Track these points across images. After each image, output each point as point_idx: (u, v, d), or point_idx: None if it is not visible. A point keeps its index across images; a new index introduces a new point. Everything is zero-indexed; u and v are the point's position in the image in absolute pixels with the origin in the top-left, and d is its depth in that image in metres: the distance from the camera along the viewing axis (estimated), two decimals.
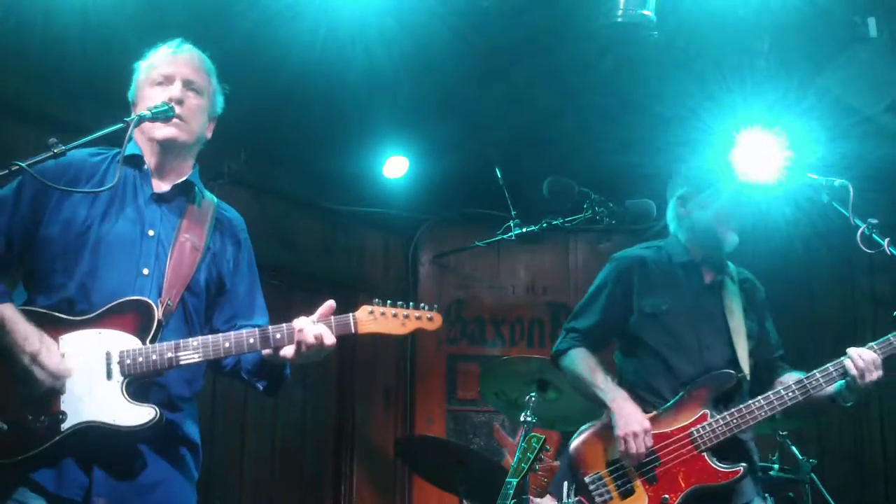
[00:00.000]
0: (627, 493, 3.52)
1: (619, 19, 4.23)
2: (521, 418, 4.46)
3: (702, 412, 3.55)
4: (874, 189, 5.29)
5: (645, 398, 3.63)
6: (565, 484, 4.79)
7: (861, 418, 6.34)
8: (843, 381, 3.46)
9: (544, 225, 5.42)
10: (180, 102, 2.85)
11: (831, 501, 4.96)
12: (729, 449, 3.53)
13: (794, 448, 4.97)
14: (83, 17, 4.30)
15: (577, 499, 3.65)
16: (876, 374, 3.42)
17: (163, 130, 2.85)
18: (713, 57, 4.90)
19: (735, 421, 3.49)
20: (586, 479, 3.59)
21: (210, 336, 2.73)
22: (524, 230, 5.64)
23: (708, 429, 3.51)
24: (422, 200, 6.79)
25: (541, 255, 7.06)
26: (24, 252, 2.78)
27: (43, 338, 2.61)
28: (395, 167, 6.38)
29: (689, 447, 3.51)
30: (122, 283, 2.74)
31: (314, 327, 2.71)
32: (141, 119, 2.77)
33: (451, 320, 6.98)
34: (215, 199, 3.05)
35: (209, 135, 3.02)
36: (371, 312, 2.79)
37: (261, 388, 2.95)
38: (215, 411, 5.60)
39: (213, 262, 2.92)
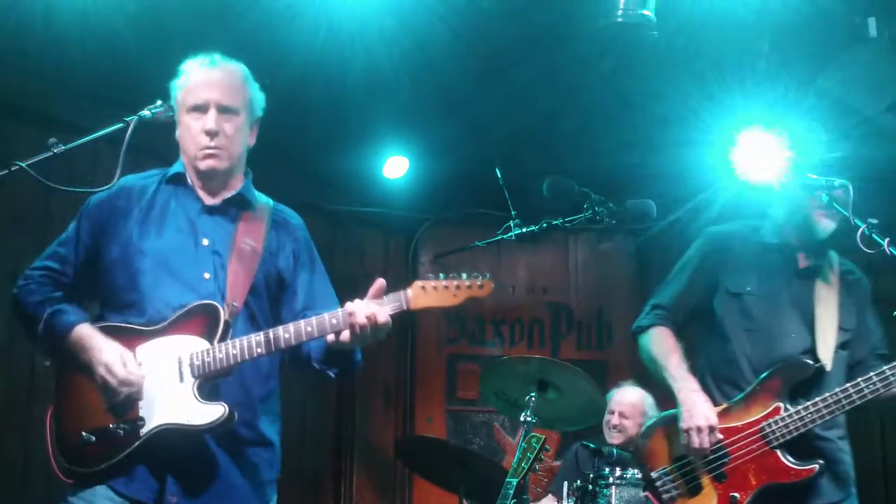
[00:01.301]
0: (695, 490, 3.37)
1: (619, 19, 4.23)
2: (521, 418, 4.47)
3: (774, 405, 3.36)
4: (874, 189, 5.29)
5: (720, 388, 3.47)
6: (565, 484, 4.80)
7: (861, 418, 6.34)
8: None
9: (544, 225, 5.42)
10: (215, 134, 2.90)
11: None
12: (805, 445, 3.34)
13: None
14: (83, 17, 4.30)
15: (644, 494, 3.53)
16: None
17: (203, 163, 2.91)
18: (713, 57, 4.89)
19: (810, 415, 3.29)
20: (653, 475, 3.44)
21: (271, 330, 2.77)
22: (524, 230, 5.63)
23: (780, 423, 3.32)
24: (422, 200, 6.79)
25: (541, 255, 7.06)
26: (92, 278, 2.92)
27: (118, 348, 2.74)
28: (395, 167, 6.38)
29: (761, 442, 3.33)
30: (184, 290, 2.82)
31: (366, 308, 2.72)
32: (141, 119, 2.82)
33: (452, 320, 6.98)
34: (271, 202, 3.11)
35: (252, 141, 3.07)
36: (423, 287, 2.78)
37: (332, 375, 3.01)
38: None
39: (272, 261, 2.97)
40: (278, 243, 3.02)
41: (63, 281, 2.93)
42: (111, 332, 2.80)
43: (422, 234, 7.04)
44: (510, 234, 5.76)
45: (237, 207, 3.00)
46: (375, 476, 6.67)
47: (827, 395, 3.32)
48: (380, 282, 2.78)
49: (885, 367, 3.30)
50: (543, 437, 4.44)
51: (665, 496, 3.42)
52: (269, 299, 2.97)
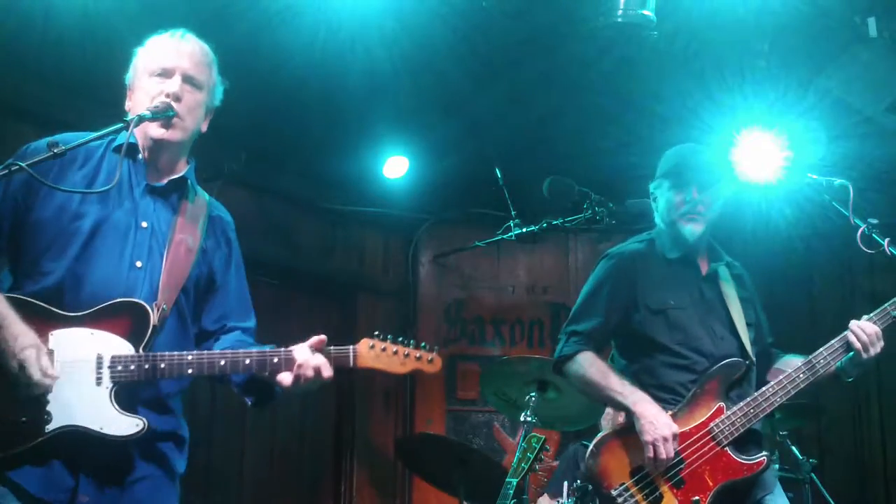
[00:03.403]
0: (656, 501, 3.37)
1: (619, 19, 4.24)
2: (521, 418, 4.46)
3: (717, 405, 3.45)
4: (874, 189, 5.30)
5: (661, 397, 3.49)
6: (565, 484, 4.80)
7: (861, 419, 6.35)
8: (848, 356, 3.42)
9: (544, 225, 5.43)
10: (178, 99, 2.78)
11: (831, 501, 4.96)
12: (746, 440, 3.45)
13: (794, 448, 4.97)
14: (83, 17, 4.31)
15: None
16: (879, 346, 3.40)
17: (158, 130, 2.78)
18: (713, 57, 4.90)
19: (752, 411, 3.41)
20: (612, 493, 3.39)
21: (206, 353, 2.67)
22: (524, 230, 5.65)
23: (727, 422, 3.41)
24: (422, 200, 6.78)
25: (541, 255, 7.05)
26: (13, 235, 2.71)
27: (34, 341, 2.54)
28: (395, 167, 6.38)
29: (711, 444, 3.40)
30: (113, 273, 2.67)
31: (314, 359, 2.64)
32: (141, 119, 2.72)
33: (452, 320, 6.98)
34: (207, 196, 2.99)
35: (205, 128, 2.94)
36: (372, 347, 2.70)
37: (249, 402, 2.89)
38: (215, 412, 5.59)
39: (204, 259, 2.86)
40: (215, 242, 2.90)
41: None
42: (25, 310, 2.57)
43: (421, 234, 7.04)
44: (510, 234, 5.78)
45: (179, 193, 2.86)
46: (375, 476, 6.67)
47: (765, 389, 3.45)
48: (321, 338, 2.69)
49: (810, 357, 3.45)
50: (543, 437, 4.43)
51: None
52: (196, 297, 2.84)
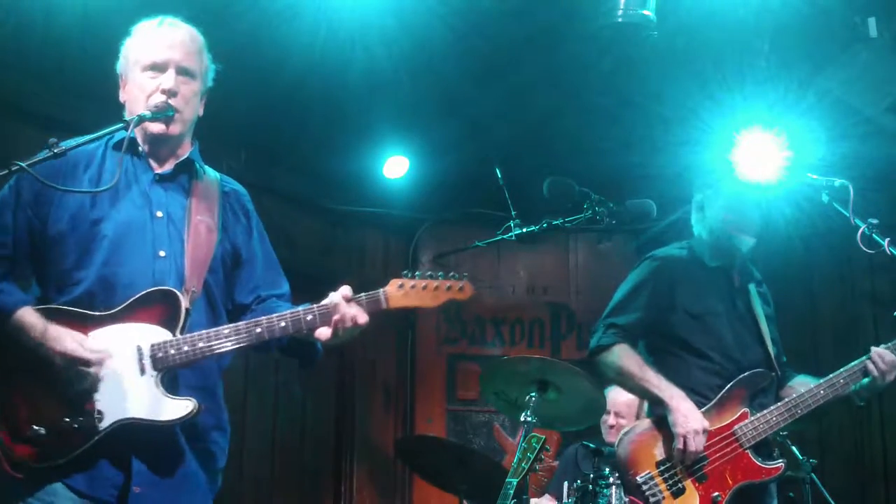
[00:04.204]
0: (679, 492, 3.53)
1: (619, 19, 4.24)
2: (521, 418, 4.46)
3: (742, 410, 3.64)
4: (874, 189, 5.29)
5: (688, 397, 3.64)
6: (566, 484, 4.80)
7: (861, 419, 6.34)
8: (864, 381, 3.60)
9: (544, 225, 5.42)
10: (174, 94, 2.78)
11: (831, 502, 4.95)
12: (763, 448, 3.64)
13: (794, 448, 4.97)
14: (83, 18, 4.30)
15: (627, 499, 3.65)
16: (895, 375, 3.58)
17: (159, 127, 2.78)
18: (713, 57, 4.90)
19: (775, 419, 3.61)
20: (638, 480, 3.56)
21: (241, 324, 2.69)
22: (524, 230, 5.63)
23: (750, 426, 3.60)
24: (422, 200, 6.78)
25: (541, 255, 7.05)
26: (33, 251, 2.73)
27: (72, 335, 2.57)
28: (395, 167, 6.39)
29: (734, 445, 3.59)
30: (140, 269, 2.69)
31: (348, 308, 2.67)
32: (141, 119, 2.74)
33: (451, 320, 6.97)
34: (217, 173, 2.99)
35: (201, 111, 2.94)
36: (401, 286, 2.74)
37: (299, 365, 2.94)
38: None
39: (227, 236, 2.88)
40: (233, 217, 2.93)
41: (2, 253, 2.69)
42: (58, 317, 2.60)
43: (422, 234, 7.04)
44: (510, 234, 5.76)
45: (188, 175, 2.87)
46: (375, 476, 6.67)
47: (788, 400, 3.65)
48: (346, 289, 2.72)
49: (831, 376, 3.64)
50: (543, 437, 4.43)
51: (651, 499, 3.54)
52: (224, 275, 2.87)
